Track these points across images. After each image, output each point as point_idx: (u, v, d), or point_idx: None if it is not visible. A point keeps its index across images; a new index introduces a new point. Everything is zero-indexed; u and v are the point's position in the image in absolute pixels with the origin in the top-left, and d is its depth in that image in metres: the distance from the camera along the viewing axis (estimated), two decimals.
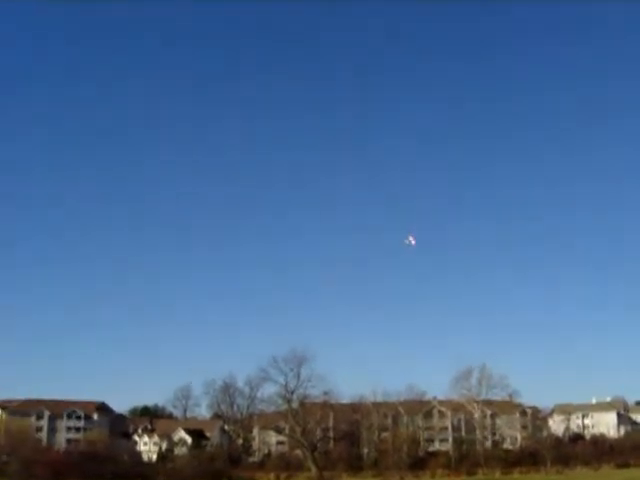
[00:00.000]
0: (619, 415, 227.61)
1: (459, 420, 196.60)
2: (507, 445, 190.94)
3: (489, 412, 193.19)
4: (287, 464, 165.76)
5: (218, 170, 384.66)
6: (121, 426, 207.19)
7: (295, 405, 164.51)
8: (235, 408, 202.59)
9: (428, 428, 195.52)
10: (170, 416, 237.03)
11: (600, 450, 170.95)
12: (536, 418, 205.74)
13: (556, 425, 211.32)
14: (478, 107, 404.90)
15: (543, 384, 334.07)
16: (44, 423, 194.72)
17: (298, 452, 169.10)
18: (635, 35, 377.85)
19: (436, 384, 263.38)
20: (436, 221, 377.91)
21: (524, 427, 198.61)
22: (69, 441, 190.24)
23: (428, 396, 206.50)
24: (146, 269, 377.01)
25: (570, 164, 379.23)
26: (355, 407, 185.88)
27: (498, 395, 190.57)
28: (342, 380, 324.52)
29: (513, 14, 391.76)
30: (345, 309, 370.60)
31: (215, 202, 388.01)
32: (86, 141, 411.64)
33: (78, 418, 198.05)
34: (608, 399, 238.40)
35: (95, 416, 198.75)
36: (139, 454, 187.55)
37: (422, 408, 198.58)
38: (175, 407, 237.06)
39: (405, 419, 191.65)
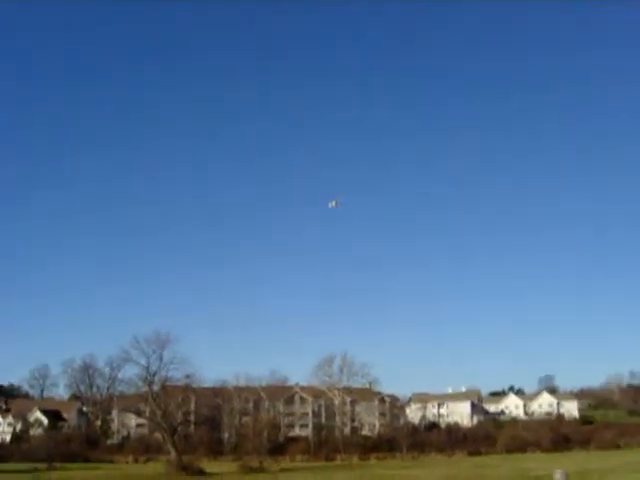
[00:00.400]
0: (473, 405, 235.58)
1: (320, 406, 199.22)
2: (365, 432, 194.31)
3: (349, 399, 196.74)
4: (146, 447, 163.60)
5: None
6: None
7: (156, 388, 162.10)
8: (95, 389, 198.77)
9: (289, 414, 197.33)
10: (26, 396, 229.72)
11: (454, 438, 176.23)
12: (394, 406, 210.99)
13: (413, 413, 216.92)
14: None
15: (402, 373, 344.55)
16: None
17: (158, 435, 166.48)
18: None
19: (299, 371, 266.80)
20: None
21: (382, 414, 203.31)
22: None
23: (290, 382, 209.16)
24: None
25: None
26: (217, 391, 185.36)
27: (359, 383, 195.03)
28: (205, 364, 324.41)
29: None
30: (211, 292, 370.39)
31: None
32: None
33: None
34: (463, 389, 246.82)
35: None
36: None
37: (284, 394, 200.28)
38: (32, 387, 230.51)
39: (267, 404, 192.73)
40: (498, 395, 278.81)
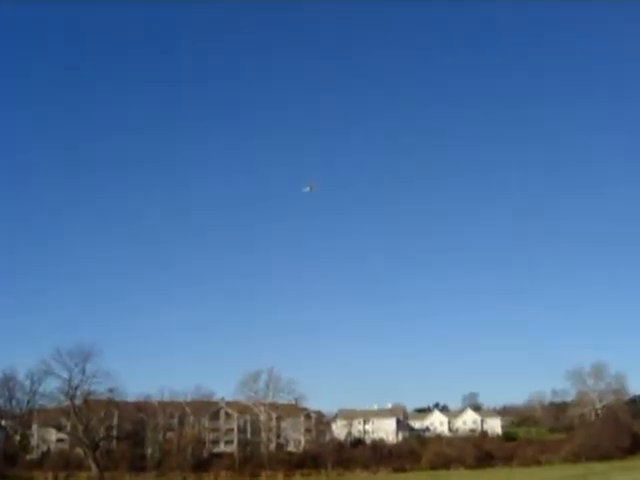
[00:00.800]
0: (398, 421, 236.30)
1: (245, 422, 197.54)
2: (291, 448, 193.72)
3: (275, 415, 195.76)
4: (67, 463, 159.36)
5: None
6: None
7: (78, 402, 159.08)
8: (14, 402, 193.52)
9: (214, 429, 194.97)
10: None
11: (379, 454, 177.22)
12: (320, 422, 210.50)
13: (339, 430, 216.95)
14: None
15: (329, 389, 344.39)
16: None
17: (79, 450, 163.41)
18: None
19: (225, 386, 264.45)
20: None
21: (308, 430, 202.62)
22: None
23: (216, 397, 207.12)
24: None
25: None
26: (141, 406, 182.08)
27: (285, 399, 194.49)
28: (129, 378, 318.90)
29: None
30: (138, 301, 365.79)
31: None
32: None
33: None
34: (389, 406, 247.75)
35: None
36: None
37: (209, 409, 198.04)
38: None
39: (191, 419, 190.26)
40: (423, 412, 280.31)
